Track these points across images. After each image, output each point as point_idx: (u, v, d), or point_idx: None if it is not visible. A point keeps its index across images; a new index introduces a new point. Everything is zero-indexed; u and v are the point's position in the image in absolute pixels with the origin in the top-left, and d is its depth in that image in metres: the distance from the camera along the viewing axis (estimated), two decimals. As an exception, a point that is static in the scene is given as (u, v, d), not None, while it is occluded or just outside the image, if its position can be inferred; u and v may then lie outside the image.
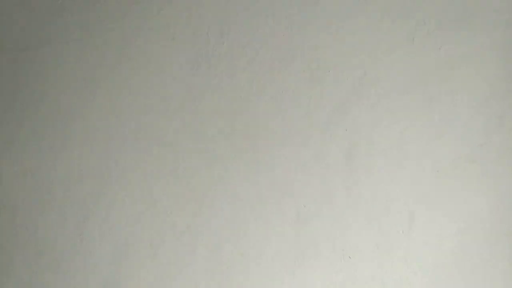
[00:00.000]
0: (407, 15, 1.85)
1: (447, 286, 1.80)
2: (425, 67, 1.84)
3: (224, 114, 1.89)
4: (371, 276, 1.82)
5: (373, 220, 1.84)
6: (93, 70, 1.89)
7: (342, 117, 1.86)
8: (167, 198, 1.87)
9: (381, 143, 1.85)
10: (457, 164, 1.83)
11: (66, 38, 1.89)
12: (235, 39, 1.90)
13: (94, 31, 1.90)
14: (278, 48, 1.89)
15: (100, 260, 1.86)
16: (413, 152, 1.84)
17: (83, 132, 1.88)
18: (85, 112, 1.89)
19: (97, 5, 1.90)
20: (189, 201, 1.87)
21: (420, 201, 1.83)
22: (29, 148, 1.87)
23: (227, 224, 1.86)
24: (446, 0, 1.84)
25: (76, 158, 1.88)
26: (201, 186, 1.87)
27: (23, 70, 1.89)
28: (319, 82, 1.88)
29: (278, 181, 1.86)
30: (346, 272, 1.83)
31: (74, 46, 1.89)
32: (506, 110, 1.81)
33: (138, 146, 1.88)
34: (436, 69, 1.84)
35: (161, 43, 1.91)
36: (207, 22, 1.90)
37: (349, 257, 1.83)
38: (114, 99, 1.89)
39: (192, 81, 1.90)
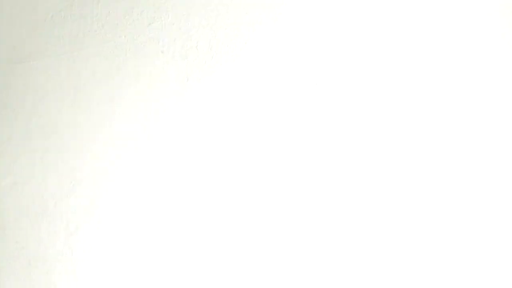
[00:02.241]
0: (403, 23, 1.89)
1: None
2: (418, 73, 1.88)
3: (215, 126, 1.90)
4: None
5: (372, 224, 1.86)
6: (84, 83, 1.90)
7: (336, 124, 1.88)
8: (159, 210, 1.88)
9: (376, 149, 1.88)
10: (451, 169, 1.86)
11: (57, 51, 1.90)
12: (224, 52, 1.92)
13: (84, 44, 1.91)
14: (268, 61, 1.92)
15: (91, 274, 1.85)
16: (407, 157, 1.87)
17: (74, 144, 1.88)
18: (76, 125, 1.89)
19: (87, 18, 1.92)
20: (182, 213, 1.88)
21: (415, 206, 1.86)
22: (20, 160, 1.87)
23: (224, 235, 1.87)
24: (443, 8, 1.88)
25: (67, 171, 1.88)
26: (195, 198, 1.88)
27: (14, 83, 1.89)
28: (310, 92, 1.91)
29: (274, 188, 1.88)
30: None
31: (65, 59, 1.90)
32: (505, 118, 1.85)
33: (129, 158, 1.89)
34: (429, 74, 1.88)
35: (150, 56, 1.92)
36: (196, 35, 1.93)
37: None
38: (105, 112, 1.90)
39: (182, 94, 1.92)
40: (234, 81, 1.92)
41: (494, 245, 1.85)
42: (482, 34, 1.88)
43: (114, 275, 1.85)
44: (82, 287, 1.85)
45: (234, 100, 1.91)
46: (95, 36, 1.92)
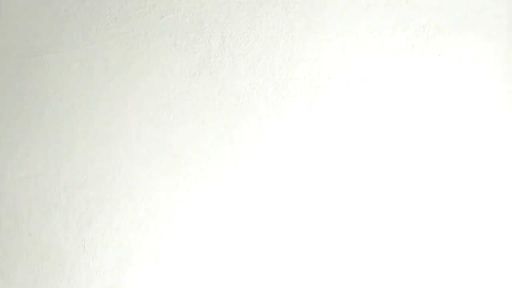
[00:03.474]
0: (407, 22, 1.86)
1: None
2: (425, 73, 1.86)
3: (225, 120, 1.90)
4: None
5: (377, 223, 1.85)
6: (97, 76, 1.91)
7: (343, 122, 1.87)
8: (170, 204, 1.88)
9: (382, 149, 1.86)
10: (456, 170, 1.84)
11: (70, 45, 1.91)
12: (236, 46, 1.91)
13: (97, 37, 1.91)
14: (279, 55, 1.90)
15: (103, 266, 1.87)
16: (413, 157, 1.85)
17: (87, 138, 1.89)
18: (89, 118, 1.90)
19: (100, 11, 1.91)
20: (191, 207, 1.88)
21: (419, 206, 1.85)
22: (33, 153, 1.88)
23: (229, 229, 1.88)
24: (446, 6, 1.85)
25: (79, 164, 1.89)
26: (203, 192, 1.88)
27: (28, 76, 1.89)
28: (320, 88, 1.89)
29: (279, 185, 1.88)
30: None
31: (78, 53, 1.90)
32: (506, 116, 1.82)
33: (141, 152, 1.89)
34: (435, 75, 1.85)
35: (163, 50, 1.92)
36: (208, 28, 1.92)
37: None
38: (117, 105, 1.90)
39: (194, 87, 1.91)
40: (247, 74, 1.90)
41: (493, 248, 1.83)
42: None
43: (125, 267, 1.87)
44: (95, 279, 1.87)
45: (246, 93, 1.90)
46: (108, 30, 1.92)
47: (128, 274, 1.87)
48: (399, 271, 1.84)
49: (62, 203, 1.88)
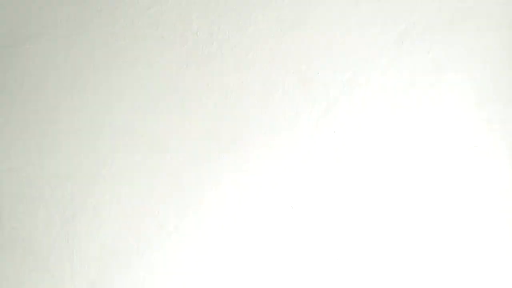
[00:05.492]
0: (397, 18, 1.85)
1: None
2: (414, 70, 1.85)
3: (212, 114, 1.88)
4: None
5: (364, 220, 1.85)
6: (82, 68, 1.88)
7: (331, 119, 1.86)
8: (155, 198, 1.87)
9: (369, 146, 1.86)
10: (446, 168, 1.84)
11: (54, 35, 1.87)
12: (224, 40, 1.89)
13: (82, 28, 1.88)
14: (268, 49, 1.88)
15: (87, 260, 1.85)
16: (401, 154, 1.85)
17: (71, 130, 1.87)
18: (73, 110, 1.87)
19: (86, 2, 1.88)
20: (177, 202, 1.87)
21: (408, 203, 1.85)
22: (16, 146, 1.86)
23: (215, 224, 1.86)
24: (436, 3, 1.84)
25: (63, 157, 1.86)
26: (189, 187, 1.87)
27: (10, 67, 1.87)
28: (308, 84, 1.88)
29: (266, 182, 1.86)
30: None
31: (62, 43, 1.87)
32: (495, 114, 1.82)
33: (126, 145, 1.87)
34: (425, 72, 1.85)
35: (150, 42, 1.89)
36: (196, 21, 1.89)
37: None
38: (102, 98, 1.88)
39: (181, 81, 1.89)
40: (234, 68, 1.89)
41: (492, 249, 1.84)
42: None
43: (110, 262, 1.85)
44: (78, 274, 1.85)
45: (234, 87, 1.88)
46: (93, 20, 1.89)
47: (112, 268, 1.85)
48: (390, 271, 1.84)
49: (45, 196, 1.86)
